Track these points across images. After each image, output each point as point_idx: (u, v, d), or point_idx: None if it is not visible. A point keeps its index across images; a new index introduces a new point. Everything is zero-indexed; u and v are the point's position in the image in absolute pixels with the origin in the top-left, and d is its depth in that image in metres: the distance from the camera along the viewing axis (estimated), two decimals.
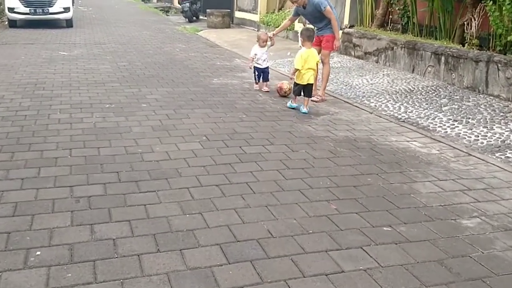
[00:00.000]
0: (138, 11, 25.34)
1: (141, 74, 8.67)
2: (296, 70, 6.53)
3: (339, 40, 7.44)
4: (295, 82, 6.67)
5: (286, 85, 7.31)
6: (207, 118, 5.99)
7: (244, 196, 3.77)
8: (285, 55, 11.50)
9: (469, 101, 6.97)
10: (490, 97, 7.10)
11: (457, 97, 7.23)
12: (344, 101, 7.26)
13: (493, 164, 4.77)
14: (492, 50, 7.79)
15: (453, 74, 7.89)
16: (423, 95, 7.44)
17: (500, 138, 5.50)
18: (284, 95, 7.27)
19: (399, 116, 6.52)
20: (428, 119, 6.35)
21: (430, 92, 7.58)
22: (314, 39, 7.05)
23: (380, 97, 7.49)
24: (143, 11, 25.74)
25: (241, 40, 14.42)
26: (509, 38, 7.29)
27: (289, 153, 4.83)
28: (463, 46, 8.17)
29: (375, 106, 7.03)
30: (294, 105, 6.75)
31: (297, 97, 6.70)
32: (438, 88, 7.79)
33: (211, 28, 16.91)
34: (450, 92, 7.49)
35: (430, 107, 6.80)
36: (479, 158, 4.95)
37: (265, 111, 6.45)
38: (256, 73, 7.72)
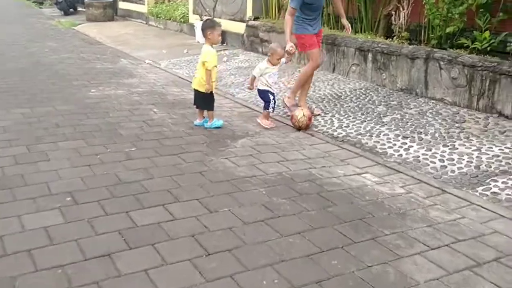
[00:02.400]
0: (6, 3, 21.88)
1: None
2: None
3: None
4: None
5: (298, 113, 5.29)
6: (77, 157, 4.11)
7: None
8: (181, 53, 9.74)
9: (411, 108, 5.76)
10: (432, 101, 5.95)
11: (394, 102, 6.00)
12: (261, 113, 5.73)
13: (483, 207, 3.50)
14: (425, 44, 6.69)
15: (384, 74, 6.68)
16: (354, 102, 6.13)
17: (472, 162, 4.27)
18: (300, 127, 5.23)
19: (335, 134, 5.13)
20: (371, 136, 5.01)
21: (361, 97, 6.28)
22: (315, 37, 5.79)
23: None
24: (12, 2, 22.29)
25: (128, 35, 12.37)
26: (447, 30, 6.21)
27: (205, 218, 3.16)
28: (391, 39, 7.00)
29: None
30: (199, 122, 5.19)
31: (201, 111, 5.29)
32: (368, 91, 6.53)
33: (91, 21, 14.61)
34: (384, 97, 6.25)
35: (368, 119, 5.49)
36: (459, 197, 3.67)
37: (163, 138, 4.71)
38: (272, 98, 5.47)
